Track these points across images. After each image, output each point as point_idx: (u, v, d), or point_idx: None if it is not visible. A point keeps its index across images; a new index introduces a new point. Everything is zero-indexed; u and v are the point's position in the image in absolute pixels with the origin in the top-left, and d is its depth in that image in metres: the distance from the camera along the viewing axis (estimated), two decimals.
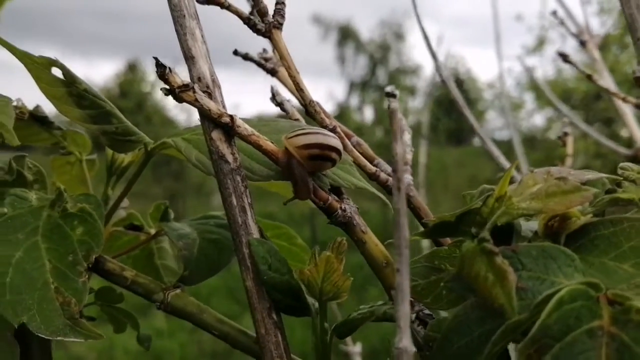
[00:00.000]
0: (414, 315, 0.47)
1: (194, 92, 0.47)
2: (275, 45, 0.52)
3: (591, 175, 0.43)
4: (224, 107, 0.49)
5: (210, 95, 0.48)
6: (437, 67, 0.89)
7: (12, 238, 0.49)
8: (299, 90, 0.52)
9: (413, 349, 0.34)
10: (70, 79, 0.56)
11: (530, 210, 0.40)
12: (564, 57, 0.79)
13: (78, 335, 0.46)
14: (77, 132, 0.64)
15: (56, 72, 0.56)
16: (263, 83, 0.63)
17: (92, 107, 0.57)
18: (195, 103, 0.47)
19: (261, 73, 0.67)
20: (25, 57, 0.55)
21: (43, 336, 0.45)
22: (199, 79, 0.49)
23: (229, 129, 0.47)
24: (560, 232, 0.41)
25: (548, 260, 0.38)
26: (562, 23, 1.16)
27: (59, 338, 0.46)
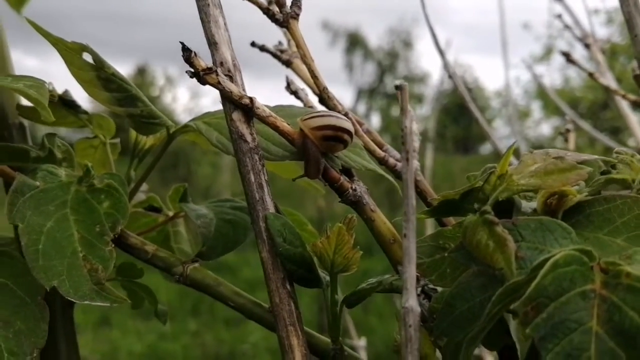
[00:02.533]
0: (419, 289, 0.50)
1: (217, 75, 0.50)
2: (293, 35, 0.55)
3: (587, 156, 0.46)
4: (244, 90, 0.52)
5: (231, 79, 0.51)
6: (446, 66, 0.92)
7: (43, 209, 0.53)
8: (313, 77, 0.55)
9: (419, 308, 0.37)
10: (99, 64, 0.59)
11: (529, 187, 0.43)
12: (567, 56, 0.82)
13: (104, 300, 0.49)
14: (102, 116, 0.68)
15: (87, 57, 0.60)
16: (272, 90, 0.66)
17: (119, 90, 0.60)
18: (217, 85, 0.50)
19: (271, 77, 0.70)
20: (59, 43, 0.59)
21: (72, 300, 0.48)
22: (221, 64, 0.52)
23: (249, 110, 0.51)
24: (558, 209, 0.44)
25: (545, 233, 0.41)
26: (567, 27, 1.19)
27: (86, 302, 0.49)
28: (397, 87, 0.69)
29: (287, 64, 0.69)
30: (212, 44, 0.52)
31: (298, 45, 0.55)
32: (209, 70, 0.50)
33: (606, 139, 1.26)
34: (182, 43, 0.50)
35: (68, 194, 0.55)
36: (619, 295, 0.34)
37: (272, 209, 0.50)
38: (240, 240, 0.61)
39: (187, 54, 0.50)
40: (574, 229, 0.42)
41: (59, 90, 0.65)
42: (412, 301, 0.37)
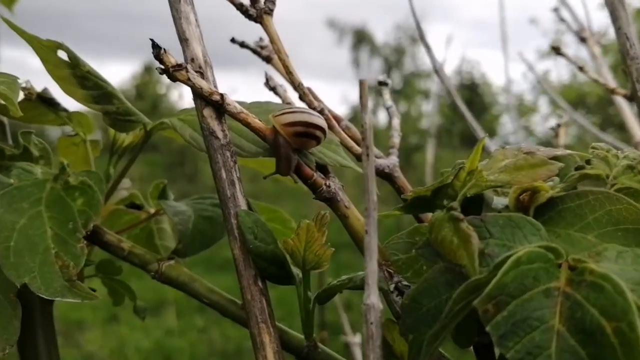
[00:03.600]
0: (392, 286, 0.49)
1: (187, 71, 0.49)
2: (266, 30, 0.55)
3: (560, 151, 0.45)
4: (215, 86, 0.51)
5: (202, 75, 0.51)
6: (435, 68, 0.91)
7: (17, 206, 0.52)
8: (288, 73, 0.55)
9: (381, 305, 0.36)
10: (74, 61, 0.59)
11: (498, 182, 0.42)
12: (557, 50, 0.81)
13: (75, 296, 0.49)
14: (82, 114, 0.67)
15: (62, 54, 0.59)
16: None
17: (94, 88, 0.60)
18: (187, 82, 0.50)
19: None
20: (33, 40, 0.58)
21: (43, 296, 0.48)
22: (192, 60, 0.51)
23: (219, 106, 0.50)
24: (530, 205, 0.44)
25: (515, 230, 0.40)
26: (562, 20, 1.18)
27: (57, 298, 0.49)
28: (380, 83, 0.69)
29: (267, 60, 0.69)
30: (183, 40, 0.52)
31: (272, 41, 0.55)
32: (178, 67, 0.49)
33: (606, 136, 1.25)
34: (151, 40, 0.50)
35: (43, 192, 0.55)
36: (582, 293, 0.33)
37: (243, 206, 0.50)
38: (218, 237, 0.60)
39: (157, 51, 0.49)
40: (546, 226, 0.41)
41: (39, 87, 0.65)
42: (373, 298, 0.36)
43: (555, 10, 1.20)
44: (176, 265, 0.56)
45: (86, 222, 0.53)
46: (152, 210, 0.71)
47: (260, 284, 0.49)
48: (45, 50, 0.58)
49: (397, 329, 0.49)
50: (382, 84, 0.70)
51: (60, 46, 0.58)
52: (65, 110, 0.66)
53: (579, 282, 0.34)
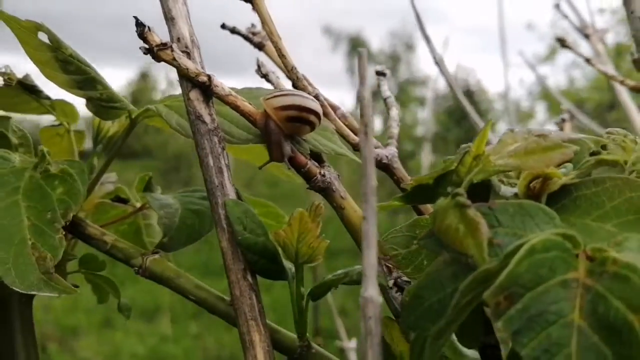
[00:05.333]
0: (391, 282, 0.46)
1: (172, 50, 0.46)
2: (257, 10, 0.51)
3: (573, 135, 0.42)
4: (202, 67, 0.48)
5: (189, 56, 0.48)
6: (441, 69, 0.88)
7: None
8: (281, 56, 0.51)
9: (380, 298, 0.33)
10: (56, 44, 0.56)
11: (507, 167, 0.38)
12: (562, 41, 0.78)
13: (52, 290, 0.46)
14: (66, 102, 0.64)
15: (42, 37, 0.56)
16: None
17: (77, 72, 0.56)
18: (172, 62, 0.46)
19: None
20: (12, 21, 0.55)
21: (18, 290, 0.45)
22: (178, 40, 0.48)
23: (207, 88, 0.47)
24: (542, 193, 0.40)
25: (525, 218, 0.36)
26: (565, 17, 1.15)
27: (33, 292, 0.45)
28: (378, 73, 0.65)
29: (260, 47, 0.65)
30: (169, 18, 0.49)
31: (264, 22, 0.51)
32: (163, 46, 0.46)
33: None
34: (135, 17, 0.47)
35: (21, 180, 0.51)
36: (605, 284, 0.30)
37: (232, 195, 0.47)
38: (205, 231, 0.57)
39: (141, 29, 0.46)
40: (559, 214, 0.37)
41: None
42: (371, 290, 0.33)
43: (557, 7, 1.17)
44: (161, 260, 0.53)
45: (65, 211, 0.49)
46: (139, 205, 0.67)
47: (249, 278, 0.46)
48: (25, 32, 0.55)
49: (396, 327, 0.46)
50: (380, 74, 0.67)
51: (41, 27, 0.55)
52: (48, 98, 0.63)
53: (600, 272, 0.31)
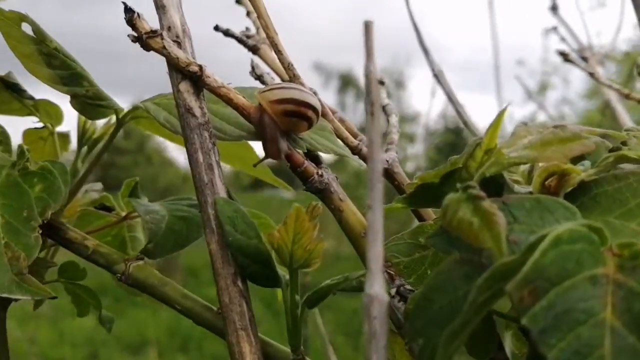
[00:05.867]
0: (394, 290, 0.42)
1: (162, 38, 0.43)
2: (254, 4, 0.48)
3: (590, 129, 0.39)
4: (193, 57, 0.45)
5: (179, 45, 0.45)
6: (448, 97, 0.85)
7: None
8: (277, 52, 0.49)
9: (386, 296, 0.30)
10: (40, 36, 0.53)
11: (523, 159, 0.35)
12: (565, 55, 0.76)
13: (25, 292, 0.42)
14: (50, 103, 0.61)
15: (26, 28, 0.53)
16: None
17: (62, 67, 0.53)
18: (162, 50, 0.43)
19: None
20: None
21: None
22: (169, 28, 0.45)
23: (198, 79, 0.44)
24: (558, 190, 0.37)
25: (544, 213, 0.33)
26: (563, 39, 1.13)
27: (4, 294, 0.42)
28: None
29: (254, 50, 0.62)
30: (160, 7, 0.46)
31: (259, 16, 0.48)
32: (153, 34, 0.43)
33: None
34: (124, 3, 0.44)
35: None
36: (639, 280, 0.27)
37: (223, 194, 0.43)
38: (193, 237, 0.53)
39: (129, 15, 0.43)
40: (580, 213, 0.34)
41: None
42: (377, 287, 0.29)
43: (554, 29, 1.16)
44: (145, 266, 0.49)
45: (43, 209, 0.46)
46: (124, 213, 0.64)
47: (240, 284, 0.42)
48: (8, 23, 0.52)
49: (398, 341, 0.42)
50: (379, 82, 0.64)
51: (25, 19, 0.52)
52: (31, 98, 0.59)
53: (633, 267, 0.28)
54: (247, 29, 0.65)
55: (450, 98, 0.74)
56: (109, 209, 0.64)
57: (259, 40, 0.63)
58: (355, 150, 0.51)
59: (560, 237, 0.28)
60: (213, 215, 0.43)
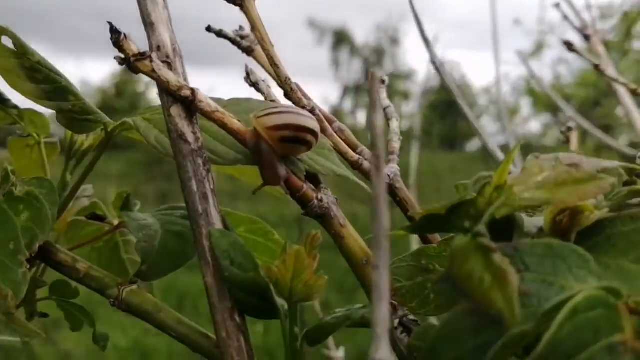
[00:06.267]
0: (397, 321, 0.41)
1: (151, 61, 0.41)
2: (247, 15, 0.46)
3: (607, 163, 0.37)
4: (185, 80, 0.43)
5: (170, 66, 0.43)
6: (433, 59, 0.83)
7: None
8: (273, 65, 0.46)
9: None
10: (21, 49, 0.50)
11: (535, 202, 0.34)
12: (569, 45, 0.73)
13: (12, 333, 0.40)
14: (35, 112, 0.58)
15: (6, 41, 0.50)
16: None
17: (46, 81, 0.51)
18: (152, 74, 0.41)
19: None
20: None
21: None
22: (158, 48, 0.43)
23: (190, 103, 0.42)
24: (571, 229, 0.35)
25: (557, 260, 0.32)
26: (565, 18, 1.10)
27: None
28: (371, 75, 0.60)
29: (248, 51, 0.59)
30: (148, 24, 0.43)
31: (254, 28, 0.46)
32: (141, 56, 0.41)
33: (601, 134, 1.17)
34: (110, 23, 0.41)
35: None
36: None
37: (218, 224, 0.42)
38: (189, 256, 0.51)
39: (116, 37, 0.41)
40: (592, 254, 0.33)
41: None
42: (383, 352, 0.28)
43: (557, 5, 1.13)
44: (139, 291, 0.48)
45: (31, 241, 0.44)
46: (116, 222, 0.62)
47: (237, 318, 0.41)
48: None
49: None
50: (381, 82, 0.62)
51: (5, 31, 0.50)
52: (15, 107, 0.57)
53: None
54: (241, 27, 0.62)
55: (451, 90, 0.71)
56: (101, 218, 0.62)
57: (253, 41, 0.60)
58: (355, 165, 0.49)
59: (578, 305, 0.26)
60: (208, 247, 0.41)
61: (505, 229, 0.36)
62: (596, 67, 0.71)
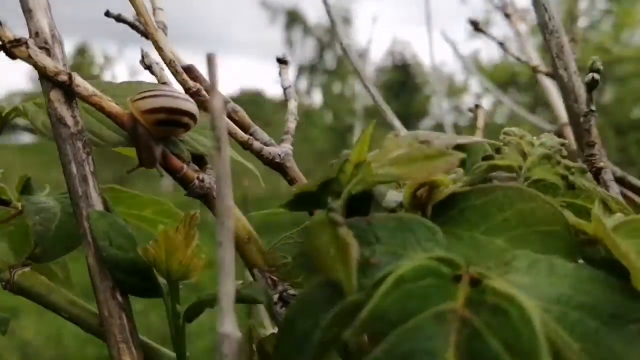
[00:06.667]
0: (276, 296, 0.42)
1: (27, 47, 0.41)
2: (131, 1, 0.47)
3: (466, 139, 0.39)
4: (64, 64, 0.43)
5: (48, 52, 0.43)
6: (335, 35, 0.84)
7: None
8: (157, 48, 0.47)
9: (238, 334, 0.29)
10: None
11: (387, 177, 0.35)
12: (475, 24, 0.75)
13: None
14: None
15: None
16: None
17: None
18: (29, 59, 0.42)
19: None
20: None
21: None
22: (37, 34, 0.43)
23: (67, 88, 0.42)
24: (428, 202, 0.37)
25: (406, 233, 0.33)
26: None
27: None
28: (279, 61, 0.61)
29: (147, 36, 0.60)
30: (26, 11, 0.44)
31: (138, 13, 0.47)
32: (17, 43, 0.41)
33: (519, 110, 1.19)
34: None
35: None
36: (483, 318, 0.26)
37: (98, 206, 0.42)
38: None
39: None
40: (446, 227, 0.34)
41: None
42: (228, 325, 0.29)
43: None
44: (31, 274, 0.48)
45: None
46: (21, 206, 0.62)
47: (119, 297, 0.42)
48: None
49: None
50: (281, 61, 0.63)
51: None
52: None
53: (480, 303, 0.27)
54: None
55: (361, 76, 0.73)
56: (6, 202, 0.62)
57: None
58: (245, 145, 0.50)
59: (403, 276, 0.27)
60: (88, 228, 0.42)
61: (365, 204, 0.37)
62: (501, 45, 0.73)
